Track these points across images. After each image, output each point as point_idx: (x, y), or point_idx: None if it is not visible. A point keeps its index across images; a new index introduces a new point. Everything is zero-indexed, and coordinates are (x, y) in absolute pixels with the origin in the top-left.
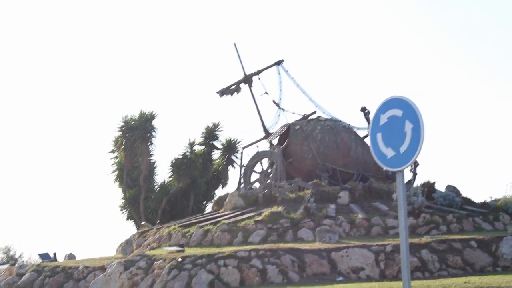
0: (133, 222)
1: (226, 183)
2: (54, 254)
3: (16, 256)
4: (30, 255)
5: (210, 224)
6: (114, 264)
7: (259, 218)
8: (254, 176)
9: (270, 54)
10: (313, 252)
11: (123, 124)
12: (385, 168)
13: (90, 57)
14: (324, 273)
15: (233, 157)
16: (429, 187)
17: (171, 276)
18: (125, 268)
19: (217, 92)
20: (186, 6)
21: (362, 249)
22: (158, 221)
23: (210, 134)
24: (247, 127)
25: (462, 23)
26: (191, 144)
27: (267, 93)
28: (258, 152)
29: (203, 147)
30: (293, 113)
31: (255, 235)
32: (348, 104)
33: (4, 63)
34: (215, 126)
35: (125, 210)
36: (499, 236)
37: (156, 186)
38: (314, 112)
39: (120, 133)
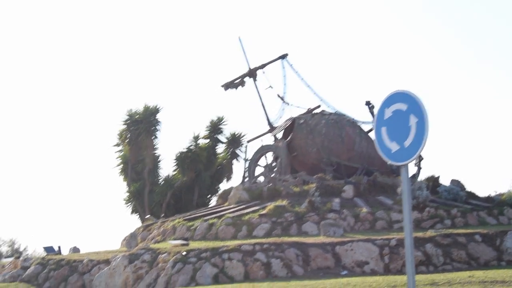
0: (138, 216)
1: (231, 177)
2: (59, 247)
3: (21, 249)
4: (34, 248)
5: (215, 217)
6: (118, 258)
7: (264, 212)
8: (259, 170)
9: (275, 48)
10: (317, 246)
11: (127, 117)
12: (389, 162)
13: (95, 51)
14: (329, 267)
15: (237, 151)
16: (433, 181)
17: (175, 270)
18: (130, 261)
19: (222, 86)
20: (191, 0)
21: (367, 243)
22: (162, 215)
23: (215, 127)
24: (252, 121)
25: (464, 23)
26: (196, 138)
27: (272, 87)
28: (262, 146)
29: (207, 140)
30: (298, 107)
31: (259, 229)
32: (353, 98)
33: (8, 59)
34: (220, 120)
35: (129, 203)
36: (503, 230)
37: (160, 180)
38: (319, 106)
39: (125, 126)
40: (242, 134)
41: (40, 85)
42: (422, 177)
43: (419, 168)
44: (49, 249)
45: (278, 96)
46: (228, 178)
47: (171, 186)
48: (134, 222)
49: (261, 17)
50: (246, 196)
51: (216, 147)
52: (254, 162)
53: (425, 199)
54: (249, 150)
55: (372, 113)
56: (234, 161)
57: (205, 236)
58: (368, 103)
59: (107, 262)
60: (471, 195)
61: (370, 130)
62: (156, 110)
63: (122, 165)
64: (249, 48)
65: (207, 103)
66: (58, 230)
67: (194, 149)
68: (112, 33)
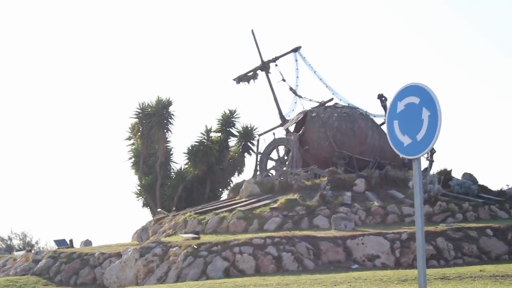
0: (149, 209)
1: (242, 170)
2: (71, 241)
3: (33, 243)
4: (46, 242)
5: (226, 211)
6: (130, 251)
7: (275, 205)
8: (270, 163)
9: (288, 41)
10: (328, 240)
11: (139, 110)
12: (401, 155)
13: (109, 45)
14: (340, 260)
15: (249, 144)
16: (445, 175)
17: (186, 263)
18: (141, 254)
19: (234, 79)
20: None
21: (378, 237)
22: (174, 208)
23: (227, 121)
24: (264, 114)
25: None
26: (208, 131)
27: (284, 80)
28: (274, 139)
29: (219, 134)
30: (310, 100)
31: (270, 223)
32: (365, 91)
33: (22, 50)
34: (232, 113)
35: (141, 197)
36: None
37: (172, 173)
38: (331, 99)
39: (137, 119)
40: (254, 128)
41: (54, 77)
42: (434, 170)
43: (431, 162)
44: (60, 242)
45: (291, 89)
46: (240, 172)
47: (183, 179)
48: (145, 216)
49: (274, 10)
50: (258, 190)
51: (228, 141)
52: (266, 155)
53: (436, 193)
54: (261, 143)
55: (384, 106)
56: (246, 154)
57: (216, 230)
58: (380, 96)
59: (118, 255)
60: (483, 188)
61: (383, 124)
62: (168, 103)
63: (134, 159)
64: (262, 41)
65: (219, 96)
66: (70, 223)
67: (206, 142)
68: (126, 27)
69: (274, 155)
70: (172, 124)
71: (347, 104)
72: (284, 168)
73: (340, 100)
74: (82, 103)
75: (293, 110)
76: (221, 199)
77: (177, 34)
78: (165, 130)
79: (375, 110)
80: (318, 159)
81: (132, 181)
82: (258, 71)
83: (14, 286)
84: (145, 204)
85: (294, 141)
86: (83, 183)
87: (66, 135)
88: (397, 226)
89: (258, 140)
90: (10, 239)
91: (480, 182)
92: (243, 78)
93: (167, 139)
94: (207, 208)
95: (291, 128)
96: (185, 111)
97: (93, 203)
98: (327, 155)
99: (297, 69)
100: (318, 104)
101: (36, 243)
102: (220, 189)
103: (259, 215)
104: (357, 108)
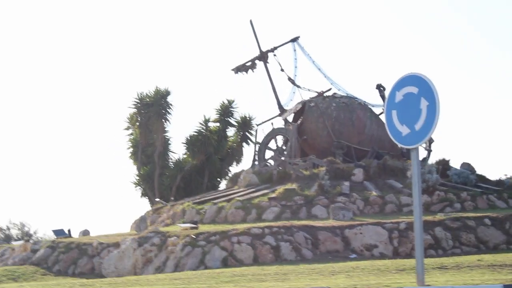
0: (148, 199)
1: (241, 160)
2: (69, 230)
3: (31, 232)
4: (44, 232)
5: (224, 201)
6: (128, 241)
7: (273, 195)
8: (269, 153)
9: (286, 31)
10: (326, 230)
11: (138, 100)
12: (400, 145)
13: (106, 34)
14: (338, 250)
15: (247, 134)
16: (443, 165)
17: (184, 253)
18: (139, 244)
19: (232, 69)
20: None
21: (376, 226)
22: (172, 198)
23: (225, 111)
24: (262, 104)
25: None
26: (206, 121)
27: (283, 70)
28: (273, 129)
29: (218, 124)
30: (308, 90)
31: (269, 212)
32: (364, 81)
33: (21, 44)
34: (230, 103)
35: (139, 186)
36: None
37: (170, 163)
38: (330, 89)
39: (135, 109)
40: (252, 117)
41: (51, 66)
42: (432, 160)
43: (429, 151)
44: (59, 232)
45: (289, 79)
46: (238, 162)
47: (181, 169)
48: (143, 205)
49: (273, 0)
50: (256, 180)
51: (227, 130)
52: (264, 145)
53: (435, 183)
54: (259, 133)
55: (383, 96)
56: (244, 144)
57: (214, 220)
58: (379, 86)
59: (116, 245)
60: (481, 178)
61: (381, 113)
62: (167, 93)
63: (132, 148)
64: (260, 31)
65: (217, 86)
66: (68, 213)
67: (204, 132)
68: (123, 16)
69: (272, 145)
70: (170, 114)
71: (345, 94)
72: (283, 158)
73: (339, 90)
74: (80, 93)
75: (291, 100)
76: (220, 189)
77: (175, 24)
78: (163, 120)
79: (373, 100)
80: (317, 149)
81: (131, 170)
82: (257, 61)
83: (13, 276)
84: (143, 194)
85: (293, 131)
86: (81, 173)
87: (65, 125)
88: (395, 215)
89: (256, 130)
90: (9, 229)
91: (478, 172)
92: (242, 68)
93: (165, 129)
94: (206, 198)
95: (290, 118)
96: (184, 101)
97: (91, 193)
98: (325, 145)
99: (296, 59)
100: (316, 94)
101: (34, 233)
102: (219, 179)
103: (257, 205)
104: (356, 98)
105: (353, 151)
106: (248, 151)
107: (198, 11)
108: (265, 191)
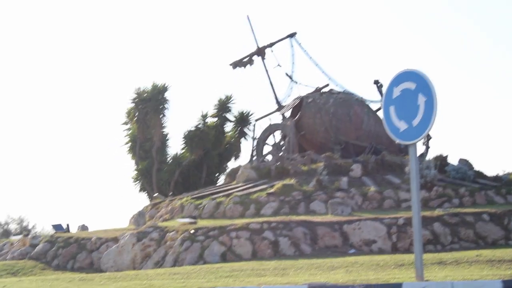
0: (146, 194)
1: (239, 156)
2: (67, 225)
3: (30, 227)
4: (43, 226)
5: (223, 196)
6: (126, 236)
7: (272, 190)
8: (267, 149)
9: (283, 26)
10: (325, 225)
11: (136, 96)
12: (397, 141)
13: (104, 30)
14: (336, 245)
15: (245, 130)
16: (441, 161)
17: (183, 248)
18: (138, 239)
19: (230, 65)
20: None
21: (374, 222)
22: (170, 193)
23: (223, 106)
24: (260, 100)
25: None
26: (204, 116)
27: (280, 66)
28: (270, 125)
29: (215, 119)
30: (306, 85)
31: (267, 208)
32: (361, 77)
33: (19, 40)
34: (228, 99)
35: (137, 181)
36: (511, 209)
37: (168, 158)
38: (327, 85)
39: (133, 105)
40: (250, 113)
41: (49, 62)
42: (430, 156)
43: (427, 147)
44: (57, 227)
45: (287, 74)
46: (236, 157)
47: (179, 164)
48: (142, 200)
49: None
50: (254, 175)
51: (224, 126)
52: (262, 140)
53: (433, 178)
54: (257, 128)
55: (380, 92)
56: (242, 139)
57: (213, 215)
58: (376, 82)
59: (115, 240)
60: (479, 174)
61: (379, 109)
62: (164, 89)
63: (130, 144)
64: (258, 27)
65: (215, 82)
66: (66, 208)
67: (202, 127)
68: (121, 12)
69: (270, 140)
70: (168, 109)
71: (343, 90)
72: (281, 154)
73: (336, 85)
74: (78, 89)
75: (289, 96)
76: (218, 184)
77: (173, 19)
78: (161, 116)
79: (371, 96)
80: (314, 144)
81: (129, 166)
82: (254, 57)
83: (12, 270)
84: (142, 189)
85: (290, 126)
86: (80, 168)
87: (63, 120)
88: (393, 211)
89: (254, 126)
90: (7, 223)
91: (476, 167)
92: (239, 64)
93: (163, 124)
94: (204, 193)
95: (287, 114)
96: (182, 96)
97: (90, 188)
98: (323, 141)
99: (293, 54)
100: (314, 89)
101: (33, 227)
102: (217, 174)
103: (255, 200)
104: (353, 93)
105: (351, 146)
106: (246, 147)
107: (196, 7)
108: (264, 186)
